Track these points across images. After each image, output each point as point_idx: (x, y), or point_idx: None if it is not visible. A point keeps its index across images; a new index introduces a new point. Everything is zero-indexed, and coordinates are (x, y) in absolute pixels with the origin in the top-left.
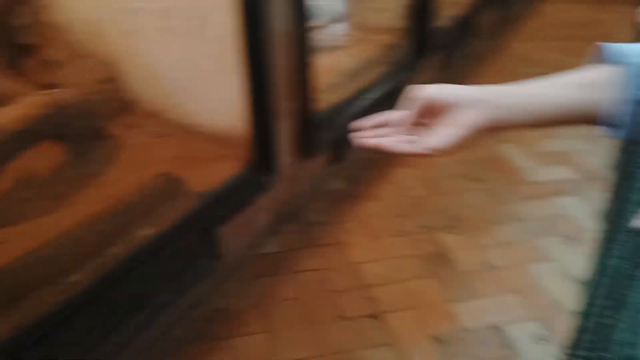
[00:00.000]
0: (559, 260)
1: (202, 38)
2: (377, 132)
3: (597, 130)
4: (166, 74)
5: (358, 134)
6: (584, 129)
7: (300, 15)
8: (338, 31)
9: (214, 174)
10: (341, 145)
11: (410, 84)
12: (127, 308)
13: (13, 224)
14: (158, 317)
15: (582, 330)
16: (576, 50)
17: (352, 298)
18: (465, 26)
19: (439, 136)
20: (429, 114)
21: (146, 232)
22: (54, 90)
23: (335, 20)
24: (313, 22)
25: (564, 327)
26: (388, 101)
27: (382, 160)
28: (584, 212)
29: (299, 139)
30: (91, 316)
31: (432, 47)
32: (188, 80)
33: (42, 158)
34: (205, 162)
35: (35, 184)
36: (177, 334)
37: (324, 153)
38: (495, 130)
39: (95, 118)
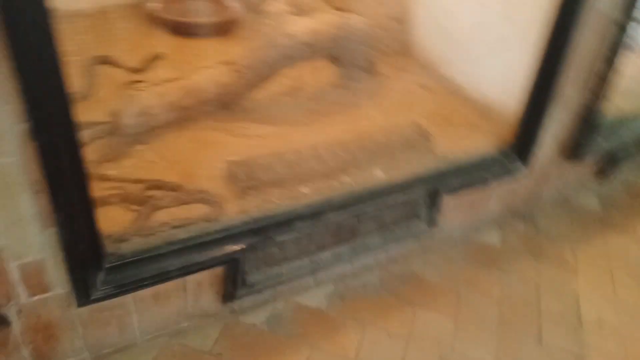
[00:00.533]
0: None
1: (507, 2)
2: None
3: None
4: (455, 29)
5: None
6: None
7: (630, 2)
8: None
9: (463, 142)
10: (613, 160)
11: None
12: (337, 235)
13: (271, 123)
14: (358, 256)
15: None
16: None
17: (556, 326)
18: None
19: None
20: None
21: (379, 173)
22: (347, 14)
23: None
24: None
25: None
26: None
27: None
28: None
29: (570, 136)
30: (304, 229)
31: None
32: (475, 42)
33: (315, 73)
34: (459, 127)
35: (301, 95)
36: (368, 279)
37: (590, 162)
38: None
39: (373, 51)
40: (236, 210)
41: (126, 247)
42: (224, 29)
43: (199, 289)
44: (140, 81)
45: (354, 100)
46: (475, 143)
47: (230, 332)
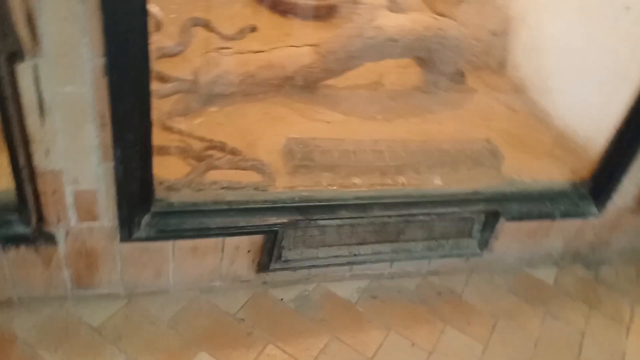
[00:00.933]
0: None
1: (614, 29)
2: None
3: None
4: (552, 53)
5: None
6: None
7: None
8: None
9: (536, 169)
10: None
11: None
12: (381, 233)
13: (343, 112)
14: (399, 259)
15: None
16: None
17: None
18: None
19: None
20: None
21: (438, 181)
22: (443, 19)
23: None
24: None
25: None
26: None
27: None
28: None
29: None
30: (349, 219)
31: None
32: (571, 69)
33: (401, 73)
34: (536, 153)
35: (380, 91)
36: (404, 284)
37: None
38: None
39: (464, 62)
40: (286, 185)
41: (175, 197)
42: (322, 13)
43: (236, 253)
44: (228, 48)
45: (432, 106)
46: (548, 173)
47: (258, 302)
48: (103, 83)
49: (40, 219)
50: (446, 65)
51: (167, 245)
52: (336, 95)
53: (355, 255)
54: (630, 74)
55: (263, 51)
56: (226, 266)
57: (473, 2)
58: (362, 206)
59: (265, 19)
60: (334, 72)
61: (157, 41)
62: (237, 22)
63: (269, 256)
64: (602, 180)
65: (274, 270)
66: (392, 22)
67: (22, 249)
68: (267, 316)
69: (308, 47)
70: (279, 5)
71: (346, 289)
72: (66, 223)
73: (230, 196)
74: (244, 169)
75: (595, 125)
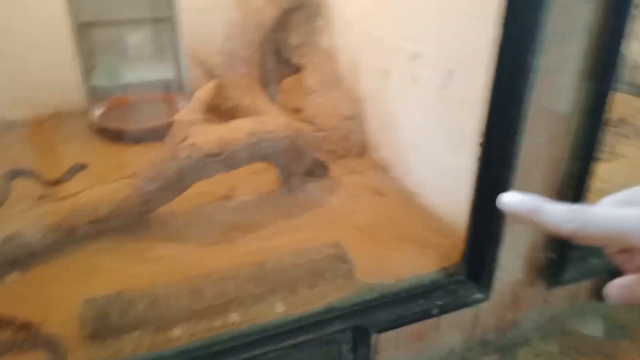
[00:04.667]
0: None
1: (445, 95)
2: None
3: None
4: (403, 127)
5: None
6: None
7: (599, 103)
8: None
9: (400, 263)
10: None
11: None
12: None
13: (181, 242)
14: None
15: None
16: None
17: None
18: None
19: None
20: None
21: (279, 309)
22: (269, 120)
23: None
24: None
25: None
26: None
27: None
28: None
29: (544, 254)
30: None
31: None
32: (420, 140)
33: (253, 179)
34: (400, 241)
35: (227, 206)
36: None
37: (584, 281)
38: None
39: (321, 153)
40: None
41: None
42: (152, 134)
43: None
44: (45, 197)
45: (288, 210)
46: (418, 264)
47: None
48: None
49: None
50: (294, 164)
51: None
52: (173, 223)
53: None
54: (469, 139)
55: (72, 195)
56: None
57: (321, 91)
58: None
59: (100, 151)
60: (158, 201)
61: None
62: (70, 161)
63: None
64: (476, 260)
65: None
66: (210, 136)
67: None
68: None
69: (125, 180)
70: (114, 135)
71: None
72: None
73: None
74: (33, 349)
75: (455, 198)
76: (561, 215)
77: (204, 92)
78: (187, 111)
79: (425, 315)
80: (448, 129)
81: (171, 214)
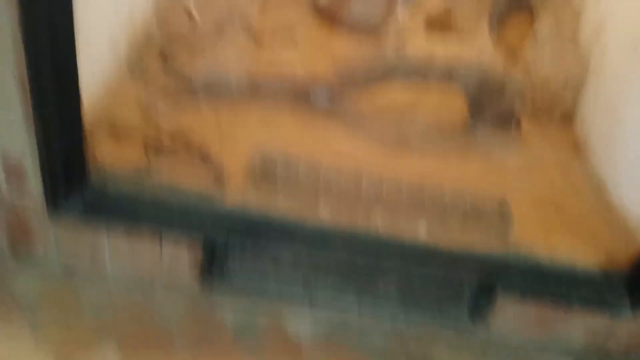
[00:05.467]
0: None
1: None
2: None
3: None
4: (628, 114)
5: None
6: None
7: None
8: None
9: (560, 244)
10: None
11: None
12: (347, 277)
13: (353, 134)
14: (366, 313)
15: None
16: None
17: None
18: None
19: None
20: None
21: (422, 233)
22: (484, 51)
23: None
24: None
25: None
26: None
27: None
28: None
29: None
30: (306, 253)
31: None
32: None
33: (441, 102)
34: (568, 224)
35: (408, 120)
36: (371, 332)
37: None
38: None
39: (522, 108)
40: (237, 198)
41: (113, 183)
42: (379, 29)
43: (175, 256)
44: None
45: (464, 148)
46: (576, 251)
47: (196, 314)
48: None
49: None
50: (487, 104)
51: (101, 230)
52: (353, 117)
53: (312, 294)
54: None
55: (279, 58)
56: (166, 267)
57: (551, 46)
58: (323, 242)
59: (312, 26)
60: (353, 92)
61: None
62: (282, 24)
63: (210, 273)
64: None
65: (218, 291)
66: (425, 46)
67: None
68: (200, 333)
69: (331, 61)
70: (328, 15)
71: (299, 323)
72: None
73: (172, 197)
74: (198, 170)
75: None
76: None
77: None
78: (411, 16)
79: (561, 301)
80: None
81: (355, 108)
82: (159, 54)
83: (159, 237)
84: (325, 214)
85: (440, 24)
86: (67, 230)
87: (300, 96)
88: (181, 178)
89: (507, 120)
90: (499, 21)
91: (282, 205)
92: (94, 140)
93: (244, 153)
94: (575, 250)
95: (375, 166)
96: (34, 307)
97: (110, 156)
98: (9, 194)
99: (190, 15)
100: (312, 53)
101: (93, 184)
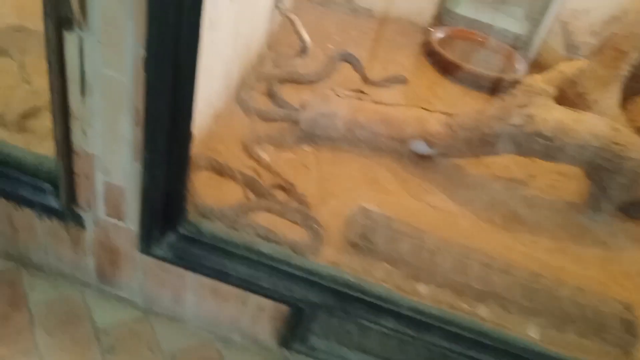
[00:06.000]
0: None
1: None
2: None
3: None
4: None
5: None
6: None
7: None
8: None
9: None
10: None
11: None
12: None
13: (455, 200)
14: None
15: None
16: None
17: None
18: None
19: None
20: None
21: (533, 334)
22: (629, 133)
23: None
24: None
25: None
26: None
27: None
28: None
29: None
30: (397, 331)
31: None
32: None
33: (555, 179)
34: None
35: (518, 192)
36: None
37: None
38: None
39: None
40: (331, 260)
41: (207, 226)
42: (486, 83)
43: (259, 313)
44: (360, 92)
45: (579, 233)
46: None
47: None
48: (142, 77)
49: (72, 199)
50: (618, 191)
51: (187, 274)
52: (459, 179)
53: None
54: None
55: (385, 104)
56: (247, 323)
57: None
58: (418, 323)
59: (423, 74)
60: (461, 152)
61: (295, 65)
62: (392, 69)
63: (292, 333)
64: None
65: (297, 351)
66: (550, 116)
67: (55, 221)
68: None
69: (440, 114)
70: (444, 64)
71: None
72: (95, 212)
73: (264, 247)
74: (295, 221)
75: None
76: None
77: (567, 68)
78: (541, 78)
79: None
80: None
81: (460, 168)
82: (267, 89)
83: (246, 288)
84: (423, 290)
85: (566, 92)
86: (155, 266)
87: (406, 147)
88: (277, 226)
89: (633, 210)
90: (631, 94)
91: (378, 272)
92: (194, 176)
93: (342, 206)
94: None
95: (483, 241)
96: (111, 335)
97: (208, 193)
98: (104, 223)
99: (301, 40)
100: (422, 102)
101: (188, 223)
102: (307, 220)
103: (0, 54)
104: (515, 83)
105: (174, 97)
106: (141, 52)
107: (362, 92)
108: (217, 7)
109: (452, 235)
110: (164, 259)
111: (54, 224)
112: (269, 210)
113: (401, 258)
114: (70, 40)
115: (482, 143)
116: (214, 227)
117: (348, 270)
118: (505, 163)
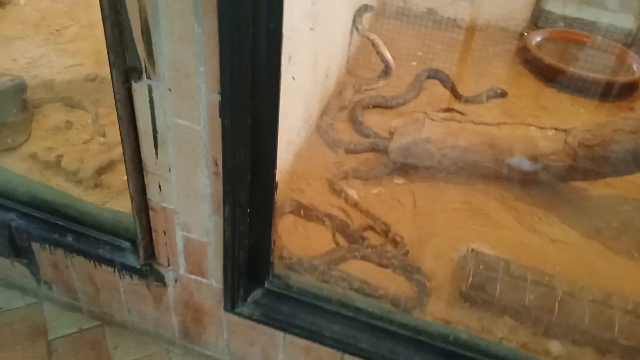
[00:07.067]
0: None
1: None
2: None
3: None
4: None
5: None
6: None
7: None
8: None
9: None
10: None
11: None
12: None
13: (581, 230)
14: None
15: None
16: None
17: None
18: None
19: None
20: None
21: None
22: None
23: None
24: None
25: None
26: None
27: None
28: None
29: None
30: None
31: None
32: None
33: None
34: None
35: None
36: None
37: None
38: None
39: None
40: (440, 315)
41: (295, 278)
42: (615, 91)
43: None
44: (458, 112)
45: None
46: None
47: None
48: (218, 125)
49: (151, 255)
50: None
51: (277, 332)
52: (581, 204)
53: None
54: None
55: (486, 123)
56: None
57: None
58: None
59: (523, 83)
60: (583, 174)
61: (378, 88)
62: (487, 82)
63: None
64: None
65: None
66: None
67: (135, 279)
68: None
69: (555, 131)
70: (545, 71)
71: None
72: (176, 268)
73: (361, 302)
74: (394, 269)
75: None
76: None
77: None
78: None
79: None
80: None
81: (581, 192)
82: (350, 117)
83: (342, 350)
84: (557, 349)
85: None
86: (242, 324)
87: (515, 172)
88: (373, 275)
89: None
90: None
91: (498, 329)
92: (278, 222)
93: (447, 247)
94: None
95: (623, 280)
96: None
97: (294, 241)
98: (186, 280)
99: (383, 60)
100: (527, 117)
101: (275, 278)
102: (407, 268)
103: (75, 106)
104: (633, 85)
105: (254, 144)
106: (216, 98)
107: (457, 111)
108: (296, 39)
109: (584, 275)
110: (250, 318)
111: (134, 282)
112: (362, 258)
113: (526, 310)
114: (139, 91)
115: (608, 162)
116: (303, 280)
117: (462, 327)
118: (636, 181)
